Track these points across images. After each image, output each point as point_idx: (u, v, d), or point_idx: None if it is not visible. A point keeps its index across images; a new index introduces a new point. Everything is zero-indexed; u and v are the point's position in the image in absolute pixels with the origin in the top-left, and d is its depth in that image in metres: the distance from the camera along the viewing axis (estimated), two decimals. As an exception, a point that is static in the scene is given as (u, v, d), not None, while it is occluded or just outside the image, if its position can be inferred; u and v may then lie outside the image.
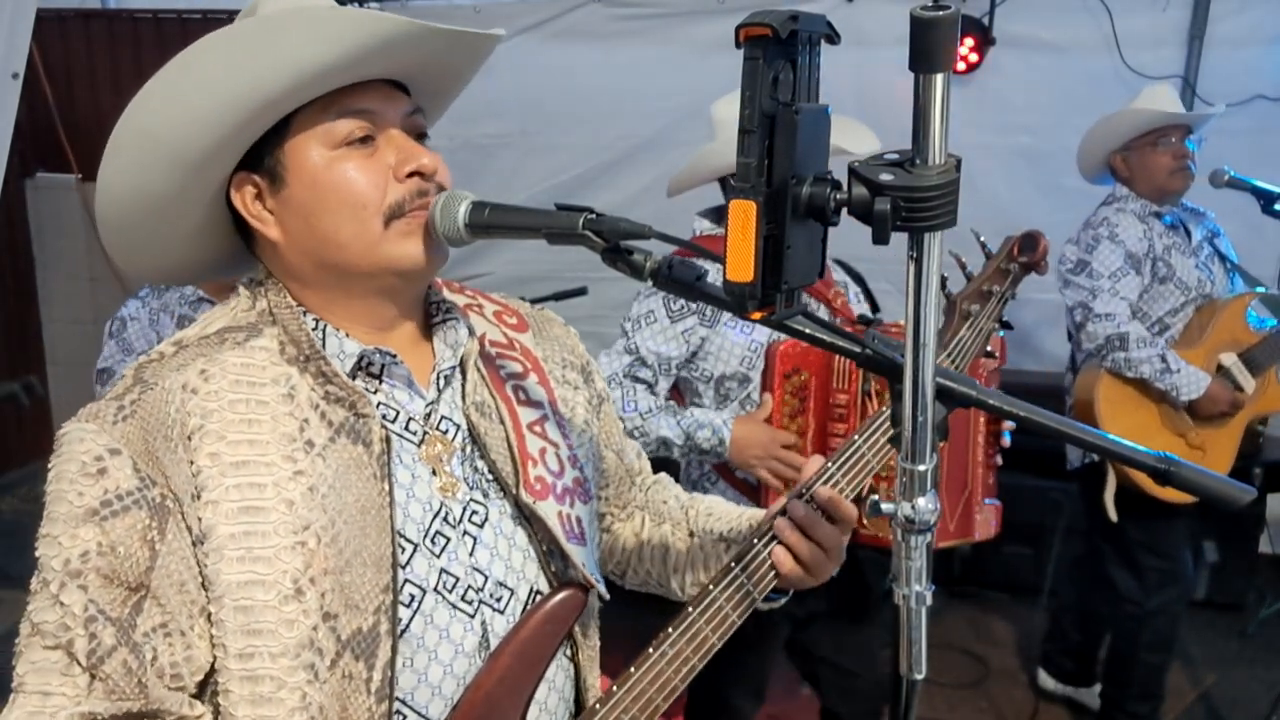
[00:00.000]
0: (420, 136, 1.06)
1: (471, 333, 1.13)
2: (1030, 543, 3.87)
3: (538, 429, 1.14)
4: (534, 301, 3.84)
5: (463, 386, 1.11)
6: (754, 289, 0.76)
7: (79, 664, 0.90)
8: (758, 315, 0.79)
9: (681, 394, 2.32)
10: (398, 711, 1.00)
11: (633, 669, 1.12)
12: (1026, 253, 1.80)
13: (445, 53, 1.05)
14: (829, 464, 1.25)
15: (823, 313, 2.25)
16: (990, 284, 1.80)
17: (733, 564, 1.18)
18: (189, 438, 0.95)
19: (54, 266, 5.50)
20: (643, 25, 4.10)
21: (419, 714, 1.02)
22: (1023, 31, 3.80)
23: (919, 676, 0.87)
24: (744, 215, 0.75)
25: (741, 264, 0.75)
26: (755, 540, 1.18)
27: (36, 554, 0.94)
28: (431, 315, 1.13)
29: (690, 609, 1.16)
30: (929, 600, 0.86)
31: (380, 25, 0.95)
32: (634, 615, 1.51)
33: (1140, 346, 2.81)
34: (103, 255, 5.96)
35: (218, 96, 0.94)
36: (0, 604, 4.11)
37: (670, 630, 1.15)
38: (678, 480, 2.38)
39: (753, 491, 2.22)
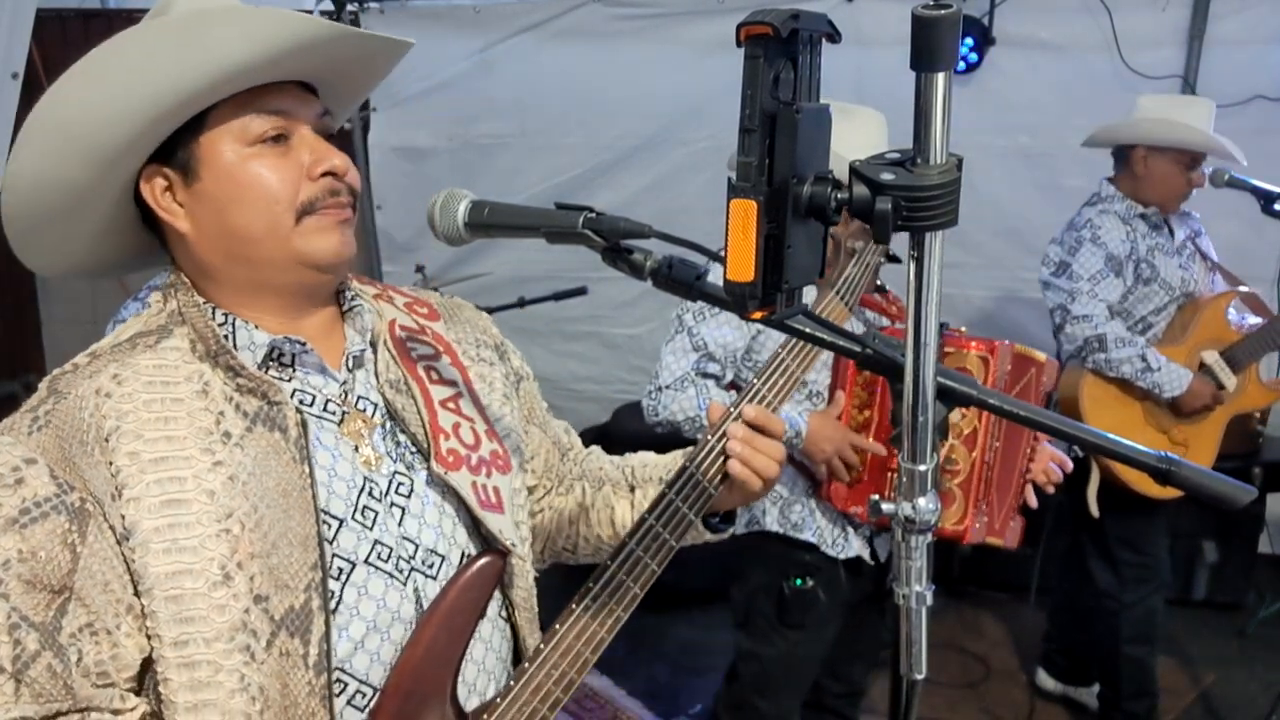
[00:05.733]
0: (329, 138, 1.09)
1: (380, 317, 1.17)
2: (1030, 542, 3.87)
3: (450, 405, 1.17)
4: (533, 301, 3.82)
5: (375, 365, 1.15)
6: (754, 288, 0.76)
7: (4, 671, 0.92)
8: (758, 315, 0.79)
9: (735, 384, 2.33)
10: (338, 680, 1.04)
11: (557, 625, 1.15)
12: None
13: (361, 56, 1.10)
14: (754, 380, 1.29)
15: (883, 323, 2.28)
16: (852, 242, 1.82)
17: (667, 490, 1.21)
18: (105, 440, 0.98)
19: (54, 266, 5.50)
20: (643, 25, 4.10)
21: (360, 680, 1.06)
22: (1023, 31, 3.80)
23: (919, 676, 0.88)
24: (744, 215, 0.75)
25: (742, 263, 0.75)
26: (688, 465, 1.22)
27: None
28: (342, 305, 1.16)
29: (627, 539, 1.19)
30: (929, 600, 0.86)
31: (305, 26, 0.98)
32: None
33: (1119, 347, 2.83)
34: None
35: (139, 89, 0.95)
36: None
37: (593, 582, 1.17)
38: None
39: (809, 472, 2.26)
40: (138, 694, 1.01)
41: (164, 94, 0.95)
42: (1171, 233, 2.99)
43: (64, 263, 1.14)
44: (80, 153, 0.98)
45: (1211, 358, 2.91)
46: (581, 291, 3.43)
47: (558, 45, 4.18)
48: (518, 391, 1.32)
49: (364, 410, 1.12)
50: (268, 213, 1.02)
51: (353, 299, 1.16)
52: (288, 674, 1.00)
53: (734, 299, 0.77)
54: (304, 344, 1.08)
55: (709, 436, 1.23)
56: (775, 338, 2.21)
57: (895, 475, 2.03)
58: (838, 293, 1.69)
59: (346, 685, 1.05)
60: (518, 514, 1.21)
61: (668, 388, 2.20)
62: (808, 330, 0.94)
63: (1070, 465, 2.10)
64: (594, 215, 0.97)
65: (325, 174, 1.05)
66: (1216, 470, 0.88)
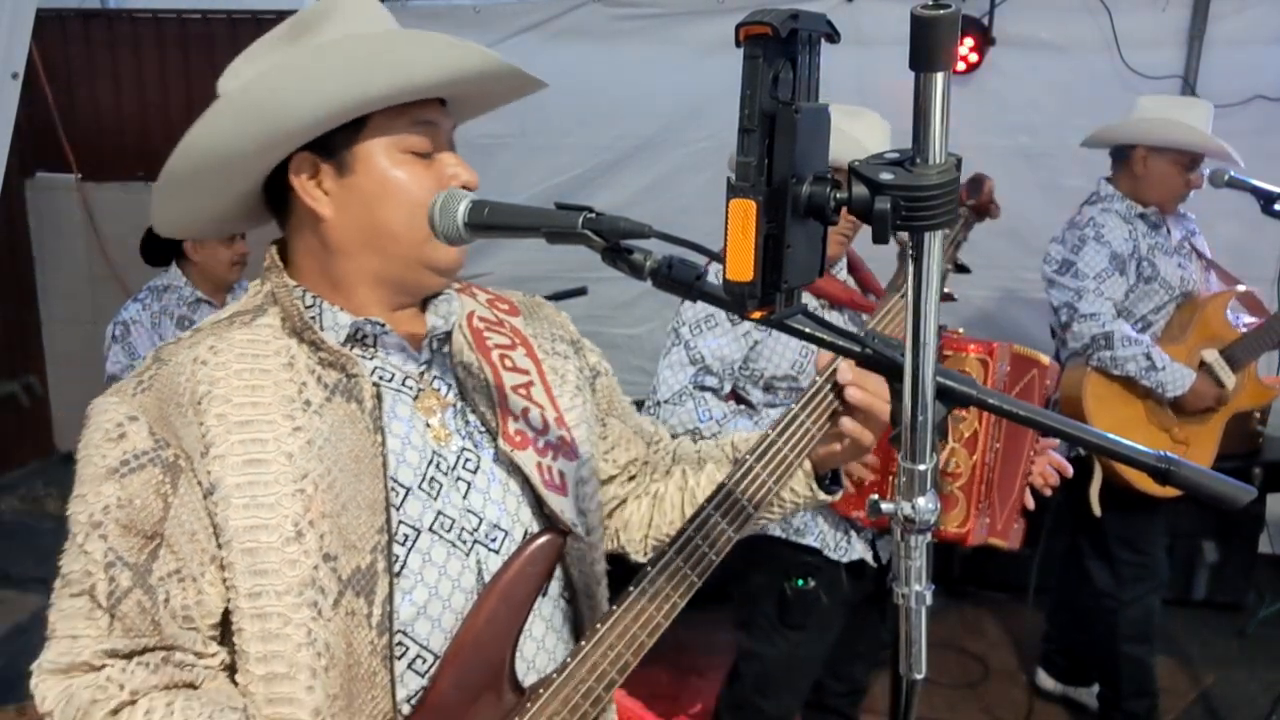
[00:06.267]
0: (452, 148, 1.20)
1: (461, 305, 1.25)
2: (1029, 543, 3.86)
3: (521, 391, 1.24)
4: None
5: (451, 349, 1.22)
6: (754, 288, 0.76)
7: (100, 606, 1.02)
8: (757, 315, 0.79)
9: (736, 393, 2.32)
10: (399, 643, 1.09)
11: (614, 606, 1.18)
12: (973, 195, 1.83)
13: (501, 84, 1.22)
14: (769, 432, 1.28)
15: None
16: None
17: (769, 432, 1.24)
18: (198, 402, 1.07)
19: (54, 266, 5.50)
20: (643, 25, 4.10)
21: (421, 645, 1.11)
22: (1022, 31, 3.80)
23: (919, 676, 0.88)
24: (744, 214, 0.75)
25: (741, 263, 0.75)
26: (793, 406, 1.25)
27: (68, 513, 1.06)
28: (429, 295, 1.24)
29: (725, 481, 1.22)
30: (929, 600, 0.86)
31: (484, 59, 1.13)
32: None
33: (1125, 345, 2.83)
34: (102, 255, 5.96)
35: (330, 88, 1.07)
36: (0, 604, 4.12)
37: (661, 553, 1.19)
38: None
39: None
40: (219, 645, 1.08)
41: (351, 96, 1.07)
42: (1169, 232, 2.99)
43: (183, 222, 1.24)
44: (258, 131, 1.08)
45: (1211, 356, 2.92)
46: (581, 291, 3.43)
47: (558, 45, 4.18)
48: (594, 386, 1.38)
49: (438, 389, 1.19)
50: (410, 215, 1.11)
51: (440, 289, 1.24)
52: (352, 632, 1.06)
53: (733, 299, 0.77)
54: (384, 325, 1.15)
55: (816, 379, 1.25)
56: (772, 348, 2.22)
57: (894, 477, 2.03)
58: (903, 294, 1.70)
59: (408, 649, 1.10)
60: (583, 501, 1.25)
61: (666, 402, 2.20)
62: (807, 330, 0.95)
63: (1069, 469, 2.09)
64: (594, 215, 0.97)
65: (460, 187, 1.14)
66: (1216, 470, 0.88)
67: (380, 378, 1.15)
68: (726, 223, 0.75)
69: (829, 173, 0.77)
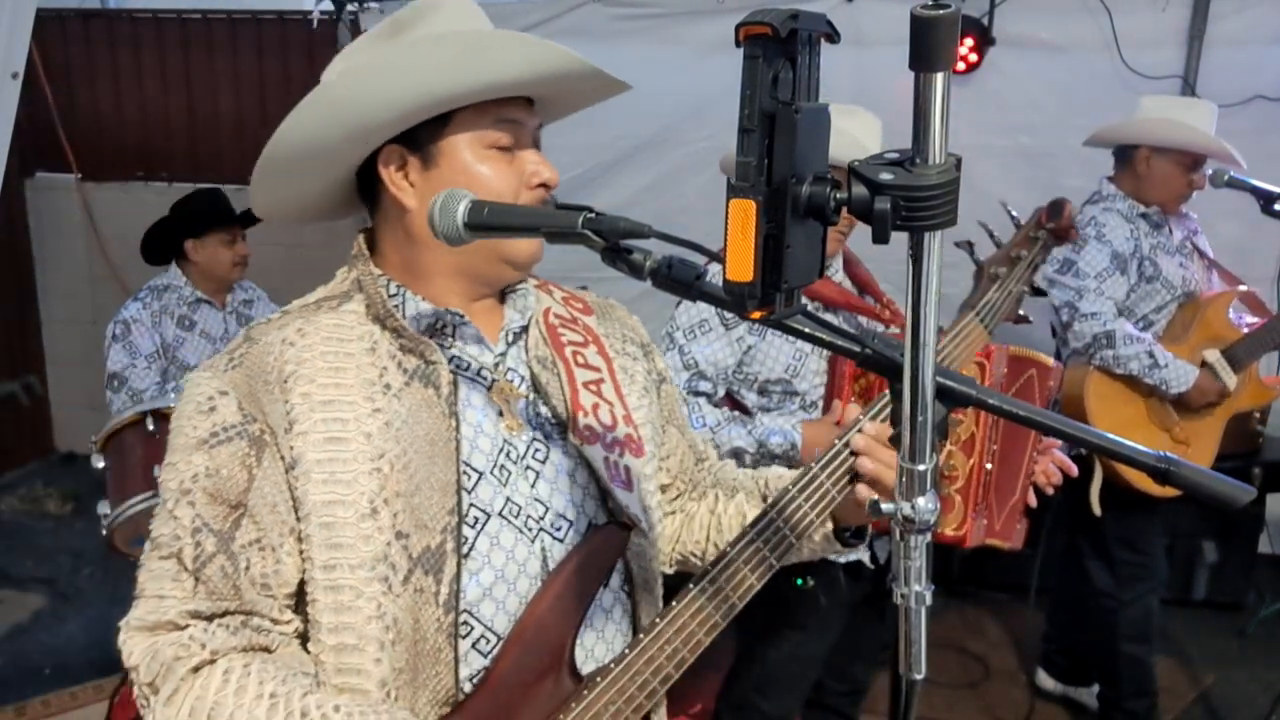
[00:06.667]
0: (538, 145, 1.24)
1: (538, 301, 1.30)
2: (1029, 543, 3.86)
3: (592, 388, 1.27)
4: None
5: (527, 342, 1.26)
6: (754, 288, 0.76)
7: (186, 569, 1.07)
8: (757, 315, 0.79)
9: (730, 397, 2.33)
10: (465, 623, 1.13)
11: (675, 602, 1.22)
12: (1054, 219, 1.85)
13: (586, 85, 1.24)
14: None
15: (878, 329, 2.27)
16: (1018, 249, 1.88)
17: (790, 486, 1.28)
18: (285, 381, 1.12)
19: (54, 266, 5.50)
20: (643, 25, 4.10)
21: (485, 626, 1.15)
22: (1022, 31, 3.80)
23: (919, 676, 0.87)
24: (744, 215, 0.75)
25: (741, 263, 0.75)
26: (814, 466, 1.29)
27: (160, 480, 1.13)
28: (507, 288, 1.28)
29: (745, 535, 1.25)
30: (929, 600, 0.86)
31: (568, 60, 1.15)
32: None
33: (1127, 344, 2.84)
34: (102, 255, 5.96)
35: (424, 85, 1.11)
36: (0, 604, 4.12)
37: (715, 564, 1.23)
38: None
39: None
40: (294, 613, 1.12)
41: (439, 92, 1.11)
42: (1171, 232, 2.99)
43: (279, 207, 1.28)
44: (344, 123, 1.13)
45: (1213, 356, 2.93)
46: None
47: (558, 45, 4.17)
48: (658, 391, 1.41)
49: (512, 381, 1.23)
50: None
51: (519, 283, 1.29)
52: (420, 609, 1.10)
53: (733, 299, 0.77)
54: (462, 316, 1.20)
55: (835, 442, 1.28)
56: (765, 351, 2.22)
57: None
58: (978, 314, 1.73)
59: (473, 629, 1.14)
60: (646, 498, 1.28)
61: None
62: (806, 330, 0.94)
63: (1074, 469, 2.09)
64: (594, 215, 0.97)
65: (540, 184, 1.19)
66: (1216, 470, 0.88)
67: (457, 366, 1.19)
68: (726, 223, 0.75)
69: (829, 173, 0.77)
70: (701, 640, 1.21)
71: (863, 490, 1.24)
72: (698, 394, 2.22)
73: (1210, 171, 2.80)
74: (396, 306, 1.19)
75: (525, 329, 1.27)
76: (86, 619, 3.99)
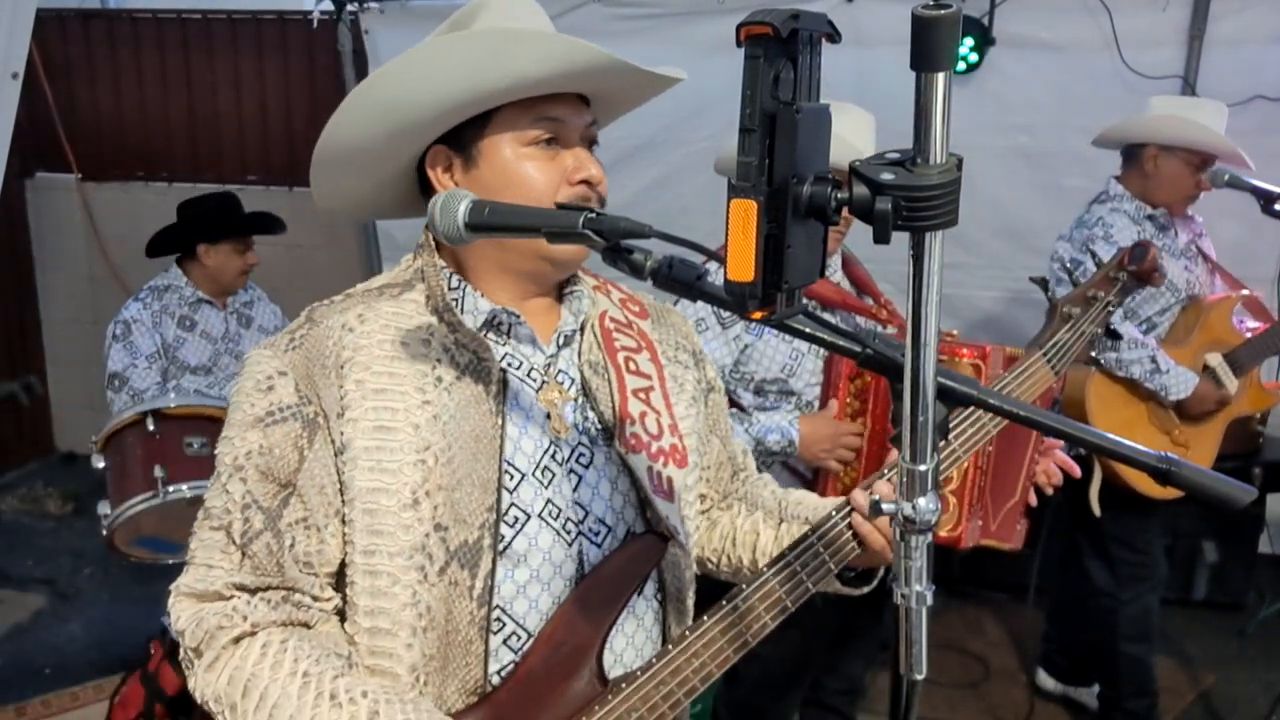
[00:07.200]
0: (592, 143, 1.25)
1: (594, 305, 1.30)
2: (1029, 543, 3.86)
3: (641, 395, 1.27)
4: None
5: (580, 346, 1.26)
6: (754, 288, 0.76)
7: (234, 543, 1.10)
8: (758, 315, 0.79)
9: (728, 396, 2.33)
10: (497, 619, 1.15)
11: (705, 617, 1.22)
12: (1135, 261, 1.83)
13: (631, 82, 1.24)
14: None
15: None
16: (1096, 290, 1.86)
17: (810, 533, 1.28)
18: (341, 366, 1.14)
19: (54, 266, 5.50)
20: (643, 25, 4.09)
21: (517, 623, 1.17)
22: (1023, 31, 3.79)
23: (919, 677, 0.87)
24: (745, 215, 0.75)
25: (742, 263, 0.75)
26: (834, 513, 1.28)
27: (216, 453, 1.14)
28: (564, 288, 1.29)
29: (766, 570, 1.25)
30: (929, 600, 0.86)
31: (591, 55, 1.13)
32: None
33: (1131, 348, 2.84)
34: (102, 255, 5.96)
35: (453, 84, 1.12)
36: (0, 604, 4.12)
37: (744, 587, 1.24)
38: None
39: (808, 483, 2.27)
40: (335, 590, 1.15)
41: (467, 91, 1.12)
42: (1176, 234, 2.99)
43: (347, 206, 1.30)
44: (387, 125, 1.15)
45: (1215, 360, 2.92)
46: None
47: (558, 45, 4.17)
48: (706, 401, 1.42)
49: (562, 383, 1.23)
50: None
51: (576, 284, 1.29)
52: (453, 601, 1.12)
53: (734, 299, 0.77)
54: (518, 316, 1.21)
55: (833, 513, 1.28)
56: (762, 351, 2.22)
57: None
58: (1045, 354, 1.71)
59: (505, 625, 1.16)
60: (685, 509, 1.28)
61: None
62: (808, 330, 0.94)
63: (1077, 469, 2.09)
64: (594, 215, 0.97)
65: (582, 181, 1.18)
66: (1216, 470, 0.88)
67: (509, 364, 1.20)
68: (727, 223, 0.75)
69: (829, 173, 0.77)
70: (730, 657, 1.21)
71: (865, 528, 1.26)
72: None
73: (1211, 171, 2.80)
74: (455, 301, 1.20)
75: (579, 331, 1.27)
76: (86, 619, 3.99)
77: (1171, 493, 1.12)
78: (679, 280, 0.96)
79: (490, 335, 1.21)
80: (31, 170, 5.33)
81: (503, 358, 1.20)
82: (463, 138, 1.18)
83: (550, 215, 1.02)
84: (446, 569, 1.12)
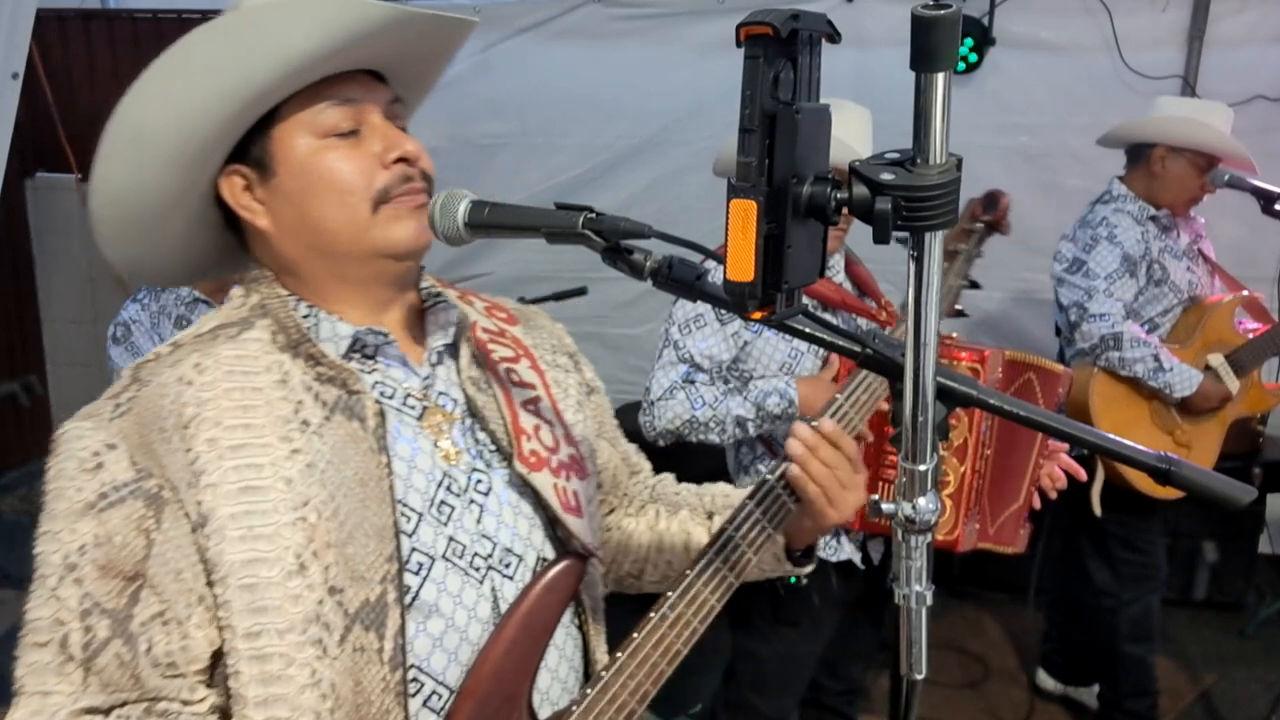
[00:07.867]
0: (399, 128, 1.08)
1: (463, 315, 1.17)
2: (1030, 543, 3.87)
3: (530, 407, 1.17)
4: (533, 301, 3.85)
5: (457, 363, 1.14)
6: (754, 288, 0.76)
7: (73, 659, 0.93)
8: (758, 315, 0.79)
9: None
10: (414, 680, 1.02)
11: (634, 634, 1.13)
12: (989, 211, 1.83)
13: (425, 38, 1.08)
14: (837, 395, 1.29)
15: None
16: (954, 244, 1.84)
17: (747, 500, 1.20)
18: (185, 427, 0.97)
19: (54, 266, 5.49)
20: (643, 25, 4.09)
21: (436, 680, 1.03)
22: (1022, 31, 3.80)
23: (919, 677, 0.87)
24: (744, 215, 0.75)
25: (742, 263, 0.75)
26: (769, 476, 1.21)
27: (35, 551, 0.96)
28: (424, 302, 1.16)
29: (708, 548, 1.18)
30: (929, 600, 0.86)
31: (365, 11, 0.97)
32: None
33: (1134, 346, 2.83)
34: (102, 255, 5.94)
35: (209, 90, 0.96)
36: (0, 604, 4.11)
37: (675, 588, 1.15)
38: (727, 467, 2.40)
39: None
40: (208, 687, 0.99)
41: (232, 93, 0.96)
42: (1179, 235, 2.99)
43: (155, 268, 1.14)
44: (158, 158, 0.99)
45: (1217, 361, 2.92)
46: (582, 292, 3.43)
47: (557, 45, 4.17)
48: (588, 402, 1.31)
49: (444, 406, 1.11)
50: (343, 205, 1.02)
51: (436, 295, 1.16)
52: (361, 670, 0.97)
53: (734, 299, 0.77)
54: (387, 335, 1.08)
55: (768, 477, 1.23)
56: (761, 348, 2.23)
57: (884, 481, 2.04)
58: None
59: (423, 685, 1.03)
60: (593, 521, 1.20)
61: (658, 400, 2.22)
62: (807, 330, 0.94)
63: (1082, 473, 2.08)
64: (594, 215, 0.97)
65: (398, 160, 1.04)
66: (1217, 470, 0.88)
67: (381, 394, 1.07)
68: (727, 223, 0.75)
69: (829, 173, 0.77)
70: (665, 670, 1.12)
71: (793, 471, 1.19)
72: (693, 382, 2.23)
73: (1211, 172, 2.80)
74: (311, 328, 1.06)
75: (452, 346, 1.15)
76: (86, 619, 3.99)
77: (1172, 493, 1.12)
78: (679, 280, 0.96)
79: (355, 363, 1.07)
80: (31, 170, 5.32)
81: (374, 386, 1.06)
82: (248, 148, 1.02)
83: (549, 215, 1.00)
84: (348, 635, 0.96)
